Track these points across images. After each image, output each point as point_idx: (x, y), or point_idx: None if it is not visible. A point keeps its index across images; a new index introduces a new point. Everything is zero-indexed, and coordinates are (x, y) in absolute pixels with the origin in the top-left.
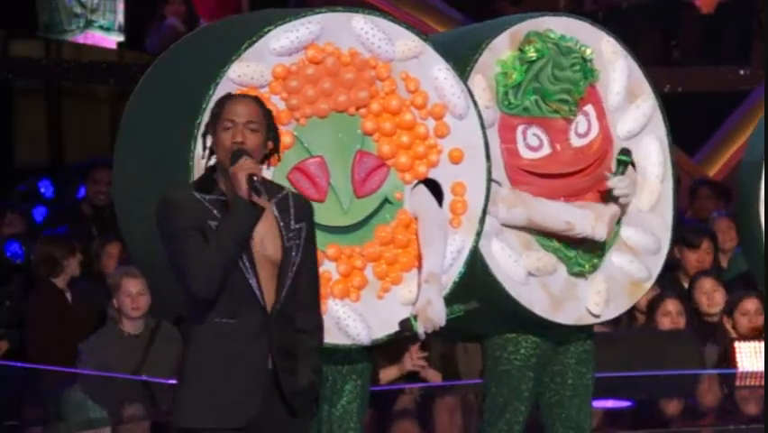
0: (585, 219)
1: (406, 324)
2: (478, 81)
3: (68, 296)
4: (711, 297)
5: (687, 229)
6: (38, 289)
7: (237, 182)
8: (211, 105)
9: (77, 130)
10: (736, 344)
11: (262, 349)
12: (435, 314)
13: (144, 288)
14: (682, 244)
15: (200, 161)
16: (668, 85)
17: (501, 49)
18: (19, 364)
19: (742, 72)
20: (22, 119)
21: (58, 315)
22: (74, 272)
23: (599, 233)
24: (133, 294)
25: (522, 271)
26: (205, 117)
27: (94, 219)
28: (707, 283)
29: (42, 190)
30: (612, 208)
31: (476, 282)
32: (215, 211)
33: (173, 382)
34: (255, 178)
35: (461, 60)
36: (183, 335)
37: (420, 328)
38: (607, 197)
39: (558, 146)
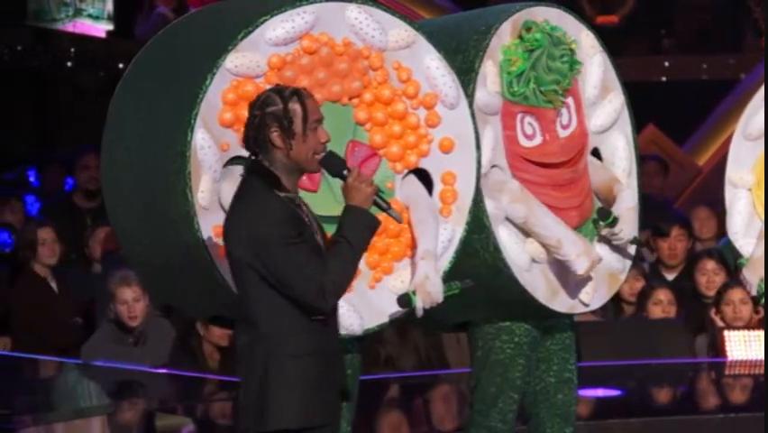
0: (574, 245)
1: (404, 299)
2: (490, 67)
3: (54, 285)
4: (711, 278)
5: (658, 218)
6: (21, 277)
7: (358, 195)
8: (210, 94)
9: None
10: (726, 333)
11: (335, 331)
12: (434, 288)
13: (140, 294)
14: (654, 234)
15: (197, 152)
16: (659, 74)
17: (505, 35)
18: (4, 353)
19: (732, 61)
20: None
21: (42, 303)
22: (47, 261)
23: (581, 265)
24: (129, 302)
25: (526, 258)
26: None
27: (88, 210)
28: (708, 264)
29: (31, 179)
30: (598, 254)
31: (484, 266)
32: (299, 211)
33: (162, 371)
34: (378, 192)
35: (471, 45)
36: (262, 339)
37: (419, 303)
38: (587, 189)
39: (548, 136)
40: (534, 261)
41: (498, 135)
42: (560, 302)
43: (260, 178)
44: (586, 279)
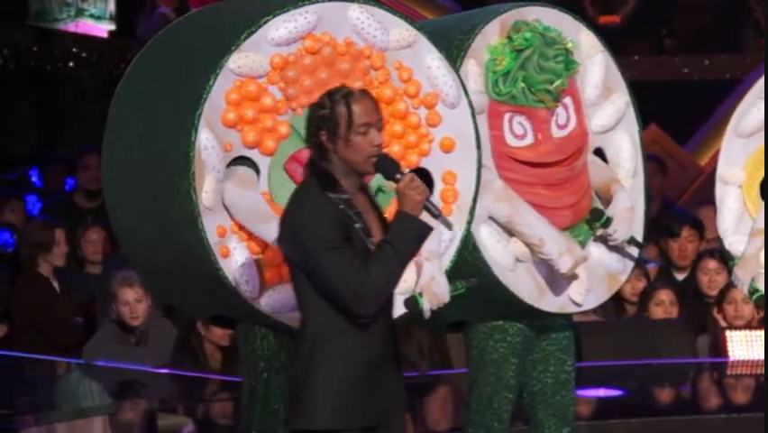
0: (557, 243)
1: (411, 302)
2: (472, 66)
3: (56, 285)
4: (713, 278)
5: (669, 218)
6: (23, 276)
7: (408, 201)
8: (213, 94)
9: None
10: (727, 333)
11: (384, 336)
12: (440, 289)
13: (142, 295)
14: (665, 235)
15: (201, 152)
16: (660, 74)
17: (492, 35)
18: (6, 353)
19: (733, 61)
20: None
21: (44, 303)
22: (57, 261)
23: (563, 264)
24: (131, 303)
25: (510, 257)
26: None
27: (88, 210)
28: (710, 263)
29: (33, 179)
30: (583, 253)
31: (465, 265)
32: (351, 212)
33: (163, 371)
34: (429, 199)
35: (455, 45)
36: (306, 338)
37: (426, 304)
38: (584, 188)
39: (540, 136)
40: (518, 260)
41: (484, 135)
42: (548, 302)
43: (317, 178)
44: (576, 278)
